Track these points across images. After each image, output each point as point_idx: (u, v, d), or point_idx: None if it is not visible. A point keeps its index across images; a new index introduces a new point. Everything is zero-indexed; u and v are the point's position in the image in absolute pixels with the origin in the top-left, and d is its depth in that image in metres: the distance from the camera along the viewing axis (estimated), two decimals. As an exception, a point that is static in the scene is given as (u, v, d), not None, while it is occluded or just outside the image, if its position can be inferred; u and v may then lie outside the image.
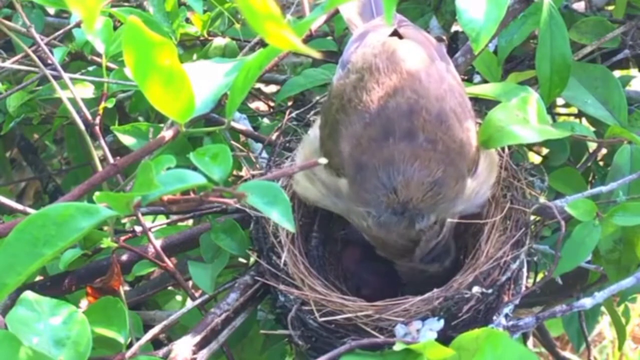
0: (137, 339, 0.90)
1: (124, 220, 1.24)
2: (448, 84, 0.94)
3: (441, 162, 0.90)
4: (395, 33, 0.99)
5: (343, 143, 0.92)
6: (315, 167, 0.96)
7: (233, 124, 1.17)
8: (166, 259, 0.99)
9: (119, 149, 1.25)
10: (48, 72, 1.09)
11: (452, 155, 0.90)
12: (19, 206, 1.01)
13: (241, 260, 1.14)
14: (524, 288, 0.97)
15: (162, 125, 1.09)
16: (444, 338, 0.85)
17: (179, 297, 1.38)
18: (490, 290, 0.92)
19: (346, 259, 1.09)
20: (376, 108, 0.92)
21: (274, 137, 1.12)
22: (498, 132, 0.92)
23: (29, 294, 0.80)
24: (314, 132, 1.00)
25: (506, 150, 1.03)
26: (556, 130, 0.94)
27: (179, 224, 1.20)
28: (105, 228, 1.00)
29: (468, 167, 0.92)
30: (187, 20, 1.26)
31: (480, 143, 0.94)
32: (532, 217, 0.99)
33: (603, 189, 0.98)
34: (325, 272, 1.04)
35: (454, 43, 1.26)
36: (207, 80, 0.78)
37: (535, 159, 1.39)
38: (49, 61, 1.10)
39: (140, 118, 1.46)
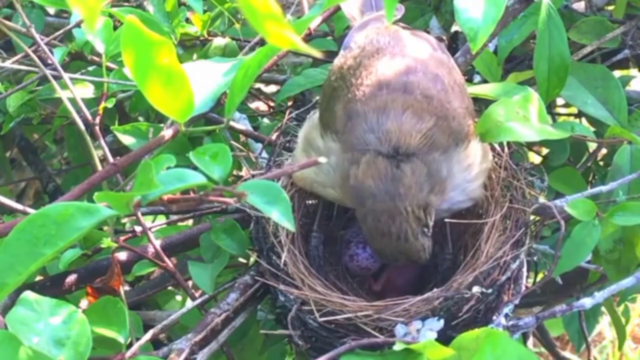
0: (137, 339, 0.90)
1: (124, 220, 1.24)
2: (448, 68, 0.95)
3: (434, 115, 0.89)
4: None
5: (338, 105, 0.92)
6: (313, 137, 0.95)
7: (233, 123, 1.17)
8: (166, 259, 0.99)
9: (119, 149, 1.25)
10: (48, 72, 1.09)
11: (445, 112, 0.90)
12: (19, 206, 1.01)
13: (241, 260, 1.14)
14: (524, 288, 0.97)
15: (162, 125, 1.09)
16: (444, 338, 0.84)
17: (179, 297, 1.38)
18: (490, 290, 0.92)
19: None
20: (374, 70, 0.92)
21: (274, 137, 1.12)
22: (496, 126, 0.91)
23: (29, 294, 0.79)
24: (315, 114, 1.00)
25: (506, 150, 1.03)
26: (556, 131, 0.94)
27: (179, 224, 1.20)
28: (105, 228, 1.00)
29: (460, 137, 0.91)
30: (187, 20, 1.25)
31: (477, 136, 0.93)
32: (532, 217, 0.99)
33: (603, 188, 0.98)
34: (325, 272, 1.04)
35: (454, 43, 1.25)
36: (206, 80, 0.78)
37: (535, 158, 1.39)
38: (49, 61, 1.10)
39: (140, 118, 1.46)
